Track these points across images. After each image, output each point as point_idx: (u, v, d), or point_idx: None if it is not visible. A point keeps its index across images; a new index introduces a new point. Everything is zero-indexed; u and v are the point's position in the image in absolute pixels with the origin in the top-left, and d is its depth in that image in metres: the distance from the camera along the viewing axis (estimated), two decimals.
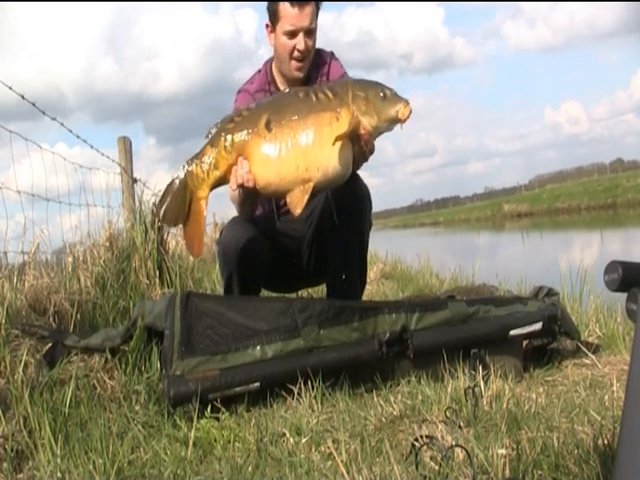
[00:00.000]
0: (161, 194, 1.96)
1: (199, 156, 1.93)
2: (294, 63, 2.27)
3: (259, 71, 2.45)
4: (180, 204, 1.92)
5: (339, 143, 1.84)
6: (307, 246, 2.41)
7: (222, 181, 1.94)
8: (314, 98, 1.90)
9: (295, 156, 1.86)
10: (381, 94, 1.87)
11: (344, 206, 2.19)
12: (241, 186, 1.90)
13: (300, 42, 2.22)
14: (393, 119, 1.87)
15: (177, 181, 1.93)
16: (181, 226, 1.97)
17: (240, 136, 1.90)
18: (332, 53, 2.45)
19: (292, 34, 2.23)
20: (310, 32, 2.25)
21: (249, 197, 2.11)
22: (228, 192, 2.21)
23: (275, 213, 2.40)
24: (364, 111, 1.86)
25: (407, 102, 1.86)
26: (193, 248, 1.97)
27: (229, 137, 1.90)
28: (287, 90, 1.99)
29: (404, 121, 1.87)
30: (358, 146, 1.90)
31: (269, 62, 2.44)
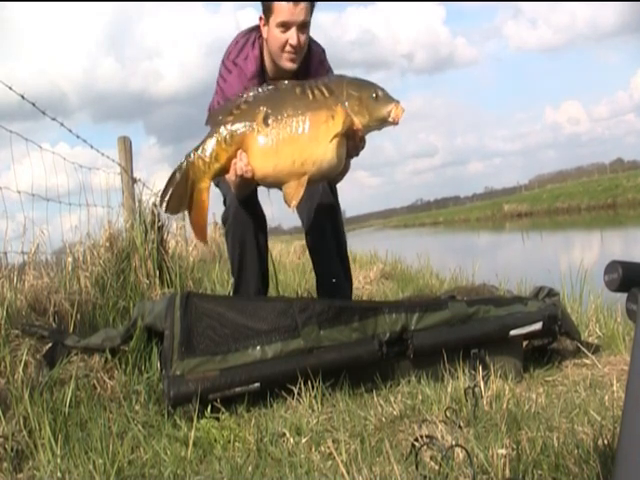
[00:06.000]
0: (164, 185, 2.04)
1: (200, 148, 2.01)
2: (286, 55, 2.27)
3: (252, 43, 2.37)
4: (182, 194, 2.02)
5: (334, 140, 1.92)
6: None
7: (222, 172, 2.03)
8: (310, 95, 1.96)
9: (292, 151, 1.94)
10: (373, 95, 1.95)
11: (315, 221, 2.40)
12: (240, 177, 1.99)
13: (293, 37, 2.22)
14: (384, 119, 1.96)
15: (178, 173, 2.01)
16: (187, 215, 2.09)
17: (239, 129, 1.97)
18: (323, 51, 2.45)
19: (285, 26, 2.22)
20: (303, 26, 2.24)
21: (248, 185, 2.16)
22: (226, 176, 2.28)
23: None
24: (356, 111, 1.94)
25: (398, 103, 1.94)
26: (198, 234, 2.12)
27: (229, 130, 1.98)
28: (284, 82, 2.03)
29: (396, 122, 1.96)
30: (352, 142, 1.98)
31: (262, 39, 2.35)
